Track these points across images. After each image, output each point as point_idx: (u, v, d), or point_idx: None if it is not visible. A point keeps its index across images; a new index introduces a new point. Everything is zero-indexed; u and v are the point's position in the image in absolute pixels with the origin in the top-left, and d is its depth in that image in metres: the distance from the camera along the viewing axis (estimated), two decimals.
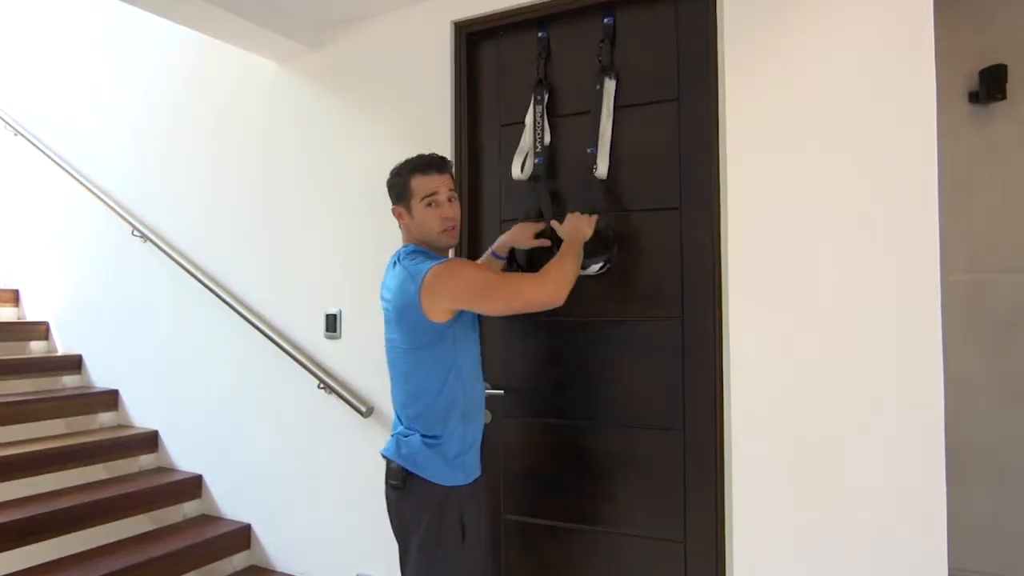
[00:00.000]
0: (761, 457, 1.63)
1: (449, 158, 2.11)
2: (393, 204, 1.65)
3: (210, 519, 2.68)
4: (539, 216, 1.95)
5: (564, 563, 1.96)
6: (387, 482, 1.61)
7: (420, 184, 1.60)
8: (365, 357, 2.32)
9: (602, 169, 1.85)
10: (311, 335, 2.43)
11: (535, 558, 1.98)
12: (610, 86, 1.88)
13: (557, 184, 1.97)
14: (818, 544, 1.56)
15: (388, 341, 1.64)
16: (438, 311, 1.50)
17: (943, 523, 1.45)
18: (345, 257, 2.37)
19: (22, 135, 3.34)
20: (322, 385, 2.34)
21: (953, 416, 1.52)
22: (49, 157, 3.21)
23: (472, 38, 2.15)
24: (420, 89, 2.21)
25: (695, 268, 1.80)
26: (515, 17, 2.04)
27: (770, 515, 1.61)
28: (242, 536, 2.58)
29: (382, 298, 1.65)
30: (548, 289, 1.55)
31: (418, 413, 1.57)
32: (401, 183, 1.63)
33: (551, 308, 1.56)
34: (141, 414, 2.97)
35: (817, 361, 1.58)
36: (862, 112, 1.55)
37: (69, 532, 2.35)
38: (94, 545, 2.36)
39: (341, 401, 2.28)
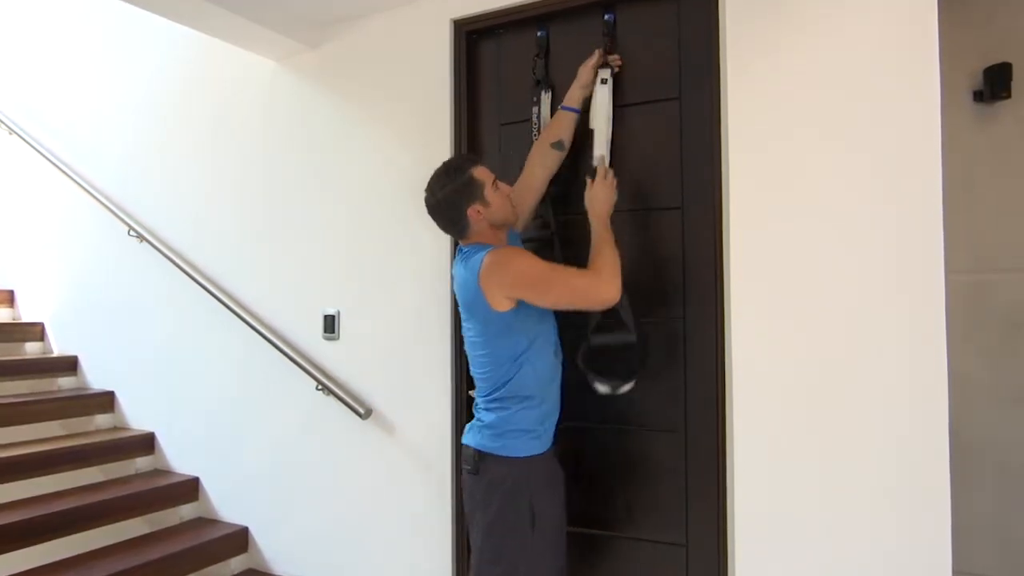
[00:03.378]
0: (763, 458, 1.61)
1: (450, 156, 2.11)
2: (468, 208, 1.61)
3: (207, 522, 2.66)
4: (545, 226, 1.93)
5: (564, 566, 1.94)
6: (463, 466, 1.69)
7: (483, 174, 1.64)
8: (364, 358, 2.30)
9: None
10: (309, 336, 2.41)
11: None
12: (611, 79, 1.85)
13: (558, 184, 1.95)
14: (821, 546, 1.55)
15: (464, 330, 1.70)
16: (498, 300, 1.54)
17: (947, 525, 1.44)
18: (344, 258, 2.35)
19: (17, 134, 3.32)
20: (320, 387, 2.32)
21: (955, 416, 1.50)
22: (44, 156, 3.19)
23: (472, 36, 2.13)
24: (420, 88, 2.19)
25: (697, 268, 1.78)
26: (515, 15, 2.02)
27: (772, 517, 1.60)
28: (239, 539, 2.56)
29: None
30: (605, 288, 1.55)
31: (497, 393, 1.63)
32: (466, 180, 1.61)
33: (607, 307, 1.57)
34: (138, 416, 2.95)
35: (819, 362, 1.56)
36: (865, 111, 1.53)
37: (65, 535, 2.33)
38: (90, 548, 2.35)
39: (339, 403, 2.27)
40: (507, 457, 1.60)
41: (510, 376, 1.60)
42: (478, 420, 1.68)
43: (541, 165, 1.82)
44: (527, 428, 1.62)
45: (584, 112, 1.84)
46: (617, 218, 1.84)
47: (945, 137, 1.46)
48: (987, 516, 2.11)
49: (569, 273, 1.59)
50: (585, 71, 1.84)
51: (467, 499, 1.69)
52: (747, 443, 1.63)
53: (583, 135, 1.87)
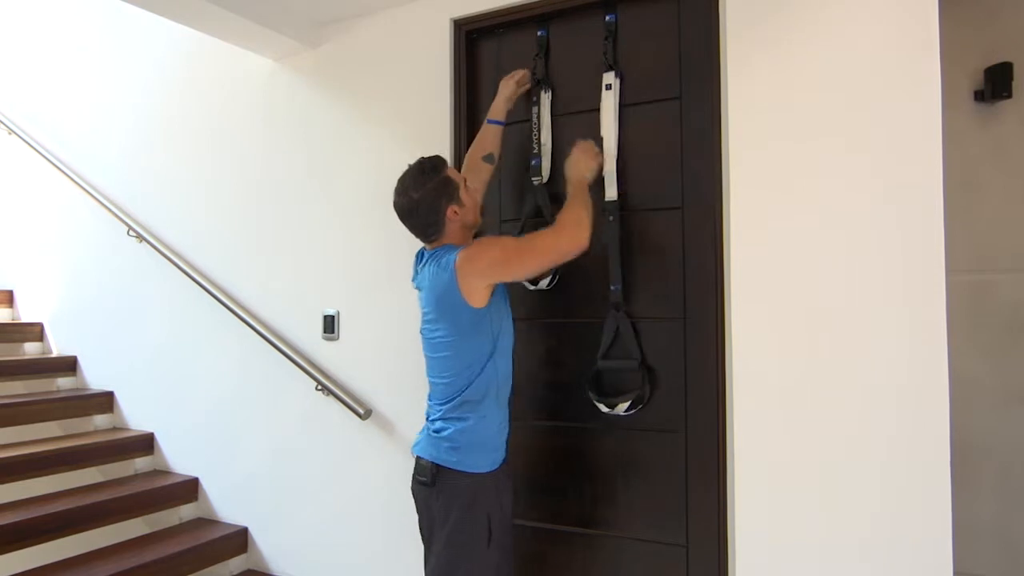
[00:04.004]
0: (764, 459, 1.61)
1: (448, 157, 2.11)
2: (447, 208, 1.62)
3: (206, 522, 2.65)
4: (537, 214, 1.94)
5: (565, 567, 1.94)
6: (416, 479, 1.66)
7: (455, 175, 1.66)
8: (363, 359, 2.30)
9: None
10: (309, 336, 2.41)
11: (535, 562, 1.96)
12: (616, 84, 1.86)
13: (558, 183, 1.95)
14: (822, 548, 1.54)
15: (428, 332, 1.66)
16: (475, 293, 1.54)
17: (948, 526, 1.43)
18: (343, 257, 2.35)
19: (16, 134, 3.31)
20: (320, 387, 2.31)
21: (956, 417, 1.50)
22: (43, 156, 3.18)
23: (472, 36, 2.13)
24: (419, 88, 2.19)
25: (697, 268, 1.78)
26: (515, 15, 2.02)
27: (773, 518, 1.59)
28: (239, 540, 2.56)
29: (420, 293, 1.70)
30: (566, 238, 1.58)
31: (457, 399, 1.61)
32: (443, 179, 1.62)
33: (579, 253, 1.59)
34: (137, 416, 2.94)
35: (820, 362, 1.56)
36: (866, 110, 1.53)
37: (64, 536, 2.32)
38: (89, 549, 2.34)
39: (339, 403, 2.26)
40: (465, 472, 1.58)
41: (473, 379, 1.59)
42: (433, 431, 1.63)
43: (474, 178, 1.83)
44: (484, 442, 1.60)
45: (508, 124, 1.92)
46: (620, 218, 1.85)
47: (946, 137, 1.46)
48: (988, 517, 2.11)
49: (534, 236, 1.64)
50: (507, 84, 1.91)
51: (423, 511, 1.67)
52: (747, 443, 1.63)
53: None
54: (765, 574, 1.60)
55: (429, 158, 1.67)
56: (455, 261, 1.54)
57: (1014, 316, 2.10)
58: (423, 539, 1.69)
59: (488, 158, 1.86)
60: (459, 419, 1.60)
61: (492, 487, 1.61)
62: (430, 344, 1.66)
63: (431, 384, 1.68)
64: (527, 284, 1.93)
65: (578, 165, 1.73)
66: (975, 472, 2.11)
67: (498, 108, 1.90)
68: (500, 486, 1.63)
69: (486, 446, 1.61)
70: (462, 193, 1.64)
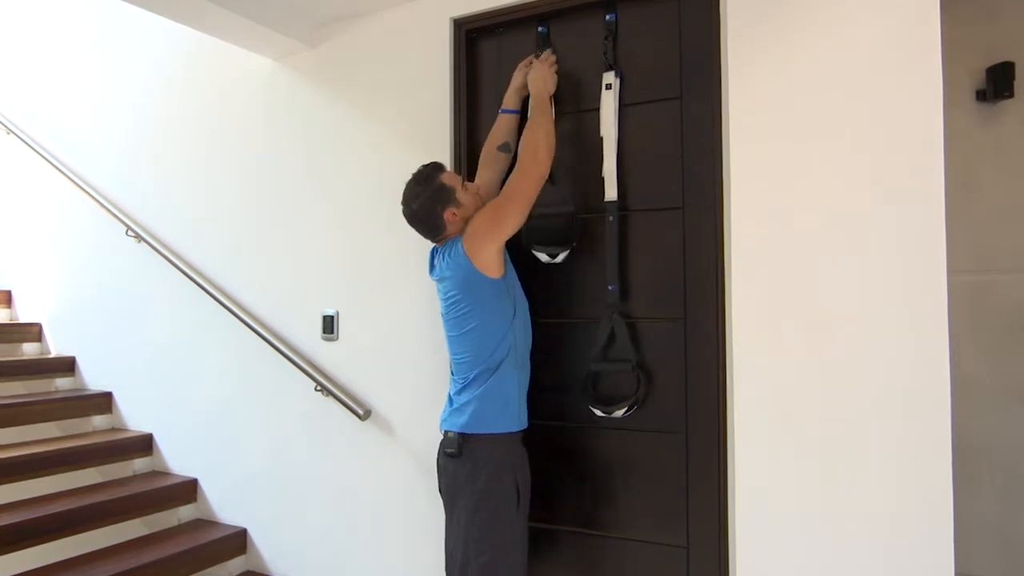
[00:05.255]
0: (764, 460, 1.60)
1: (448, 157, 2.10)
2: (444, 212, 1.72)
3: (205, 523, 2.65)
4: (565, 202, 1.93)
5: (565, 568, 1.93)
6: (444, 452, 1.76)
7: (450, 179, 1.75)
8: (363, 359, 2.29)
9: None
10: (308, 337, 2.40)
11: (535, 563, 1.95)
12: (616, 83, 1.86)
13: (559, 182, 1.95)
14: (823, 549, 1.54)
15: (454, 312, 1.74)
16: (491, 264, 1.68)
17: (950, 527, 1.43)
18: (343, 258, 2.34)
19: (14, 133, 3.31)
20: (319, 388, 2.31)
21: (957, 417, 1.50)
22: (42, 156, 3.18)
23: (472, 35, 2.13)
24: (419, 87, 2.19)
25: (698, 268, 1.77)
26: (515, 14, 2.01)
27: (773, 519, 1.59)
28: (238, 541, 2.55)
29: (439, 283, 1.81)
30: (533, 175, 1.70)
31: (481, 367, 1.71)
32: (437, 187, 1.73)
33: (548, 173, 1.73)
34: (135, 417, 2.94)
35: (820, 362, 1.55)
36: (867, 110, 1.52)
37: (62, 536, 2.32)
38: (88, 550, 2.33)
39: (338, 404, 2.26)
40: (491, 435, 1.69)
41: (496, 345, 1.69)
42: (456, 405, 1.74)
43: (491, 168, 1.93)
44: (505, 403, 1.71)
45: (524, 113, 1.94)
46: (619, 218, 1.85)
47: (947, 136, 1.45)
48: (989, 517, 2.11)
49: (507, 187, 1.73)
50: (519, 73, 1.94)
51: (448, 482, 1.75)
52: (748, 444, 1.62)
53: (587, 141, 1.87)
54: (766, 574, 1.59)
55: (425, 167, 1.77)
56: (463, 249, 1.68)
57: (1014, 316, 2.10)
58: (448, 512, 1.77)
59: (504, 147, 1.93)
60: (481, 384, 1.70)
61: (519, 450, 1.74)
62: (457, 321, 1.74)
63: (454, 362, 1.78)
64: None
65: (542, 80, 1.83)
66: (975, 472, 2.11)
67: (511, 97, 1.95)
68: (525, 453, 1.76)
69: (508, 407, 1.71)
70: (459, 194, 1.73)
